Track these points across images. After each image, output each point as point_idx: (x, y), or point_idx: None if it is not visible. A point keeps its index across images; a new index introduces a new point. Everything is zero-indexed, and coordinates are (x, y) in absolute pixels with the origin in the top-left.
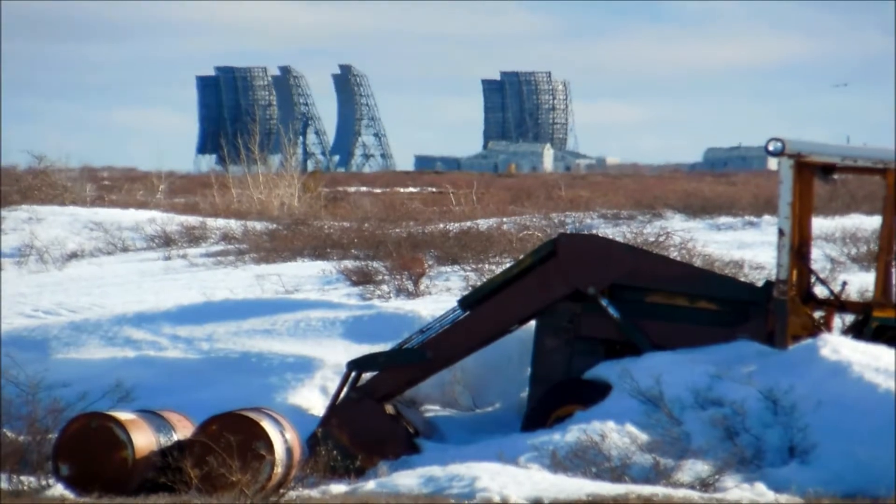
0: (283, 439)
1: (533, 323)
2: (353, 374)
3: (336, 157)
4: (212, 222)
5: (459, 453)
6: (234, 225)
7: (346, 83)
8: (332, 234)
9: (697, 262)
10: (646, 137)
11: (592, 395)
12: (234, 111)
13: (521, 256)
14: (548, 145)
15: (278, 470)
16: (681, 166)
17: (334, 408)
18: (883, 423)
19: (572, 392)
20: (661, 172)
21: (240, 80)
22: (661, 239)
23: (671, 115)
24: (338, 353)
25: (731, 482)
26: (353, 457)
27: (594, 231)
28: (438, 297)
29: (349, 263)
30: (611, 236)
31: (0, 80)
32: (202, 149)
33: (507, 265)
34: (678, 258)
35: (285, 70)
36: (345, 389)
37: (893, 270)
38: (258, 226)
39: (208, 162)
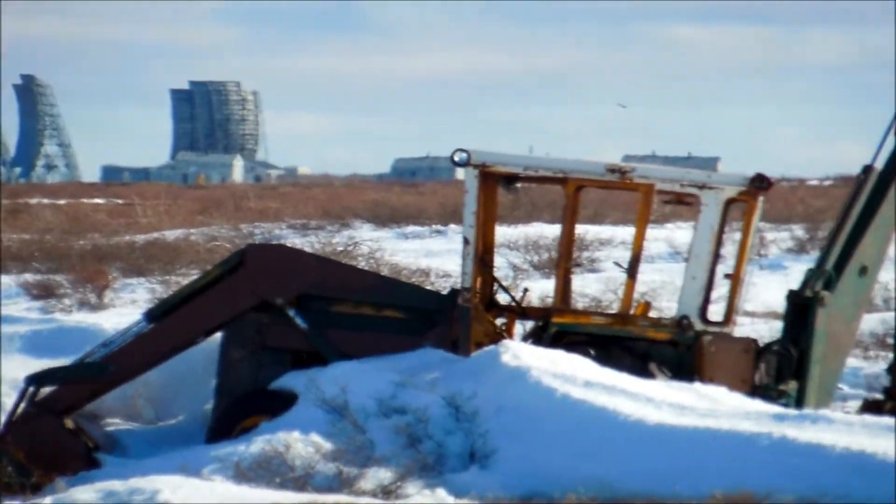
0: None
1: (219, 334)
2: (32, 389)
3: (18, 169)
4: None
5: (141, 467)
6: None
7: (29, 93)
8: (10, 247)
9: (385, 271)
10: (337, 147)
11: (279, 405)
12: None
13: (209, 268)
14: (237, 156)
15: None
16: (370, 176)
17: (10, 424)
18: (559, 426)
19: (258, 403)
20: (351, 182)
21: None
22: (349, 248)
23: (362, 126)
24: (16, 369)
25: (413, 489)
26: (29, 473)
27: (283, 242)
28: (123, 310)
29: (29, 277)
30: (299, 247)
31: None
32: None
33: (195, 277)
34: (366, 267)
35: None
36: (22, 405)
37: (572, 277)
38: None
39: None
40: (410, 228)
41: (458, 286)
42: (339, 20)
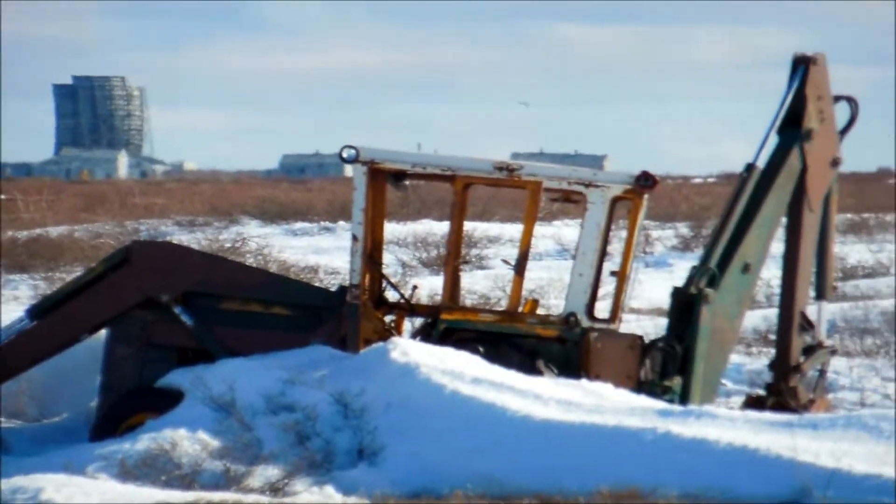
0: None
1: (104, 331)
2: None
3: None
4: None
5: (25, 465)
6: None
7: None
8: None
9: (273, 268)
10: (225, 143)
11: (165, 403)
12: None
13: (94, 265)
14: (123, 151)
15: None
16: (258, 172)
17: None
18: (448, 423)
19: (144, 400)
20: (239, 178)
21: None
22: (237, 245)
23: (250, 122)
24: None
25: (302, 486)
26: None
27: (169, 238)
28: (6, 307)
29: None
30: (186, 243)
31: None
32: None
33: (79, 273)
34: (254, 265)
35: None
36: None
37: (460, 274)
38: None
39: None
40: (299, 225)
41: (347, 283)
42: (228, 16)
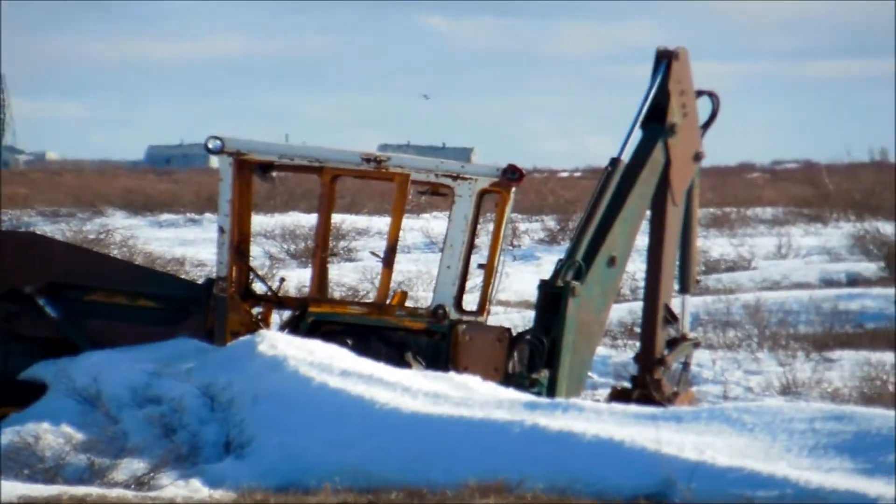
0: None
1: None
2: None
3: None
4: None
5: None
6: None
7: None
8: None
9: (139, 260)
10: (88, 133)
11: (28, 395)
12: None
13: None
14: None
15: None
16: (123, 163)
17: None
18: (316, 415)
19: (6, 393)
20: (103, 168)
21: None
22: (101, 237)
23: (115, 112)
24: None
25: (167, 479)
26: None
27: (32, 229)
28: None
29: None
30: (50, 234)
31: None
32: None
33: None
34: (120, 256)
35: None
36: None
37: (328, 267)
38: None
39: None
40: (165, 217)
41: (214, 275)
42: (91, 4)
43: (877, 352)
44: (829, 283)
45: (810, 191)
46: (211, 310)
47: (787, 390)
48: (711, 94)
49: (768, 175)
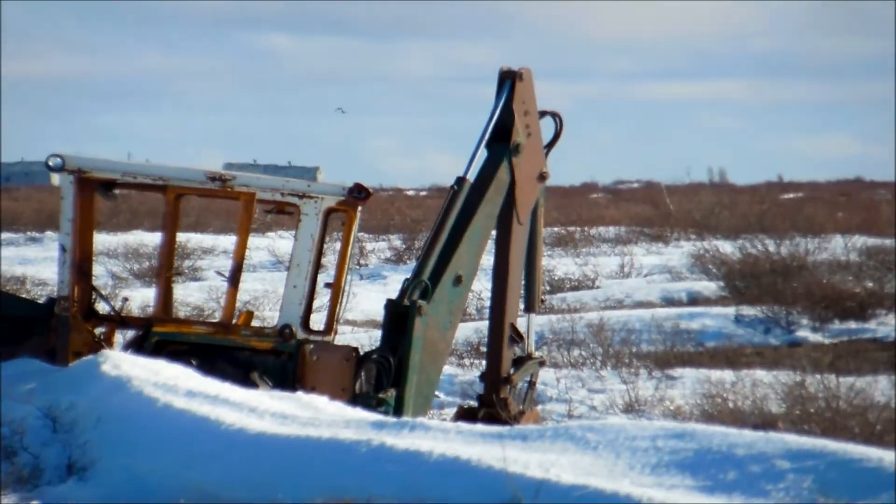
0: None
1: None
2: None
3: None
4: None
5: None
6: None
7: None
8: None
9: None
10: None
11: None
12: None
13: None
14: None
15: None
16: None
17: None
18: (161, 436)
19: None
20: None
21: None
22: None
23: None
24: None
25: (8, 502)
26: None
27: None
28: None
29: None
30: None
31: None
32: None
33: None
34: None
35: None
36: None
37: (173, 286)
38: None
39: None
40: (4, 235)
41: (56, 295)
42: None
43: (716, 370)
44: (670, 301)
45: (651, 210)
46: (53, 330)
47: (631, 408)
48: (555, 115)
49: (611, 195)
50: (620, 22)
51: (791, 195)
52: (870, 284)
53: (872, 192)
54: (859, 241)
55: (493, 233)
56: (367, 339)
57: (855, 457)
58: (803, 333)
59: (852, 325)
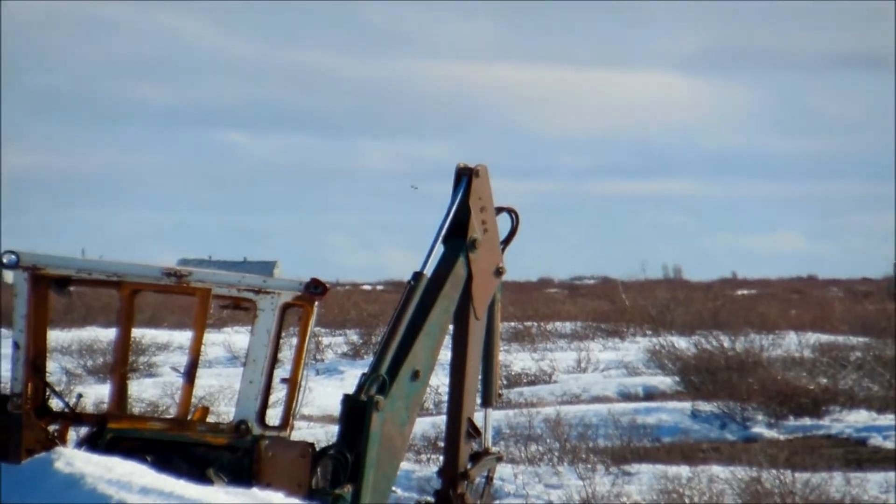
0: None
1: None
2: None
3: None
4: None
5: None
6: None
7: None
8: None
9: None
10: None
11: None
12: None
13: None
14: None
15: None
16: None
17: None
18: None
19: None
20: None
21: None
22: None
23: None
24: None
25: None
26: None
27: None
28: None
29: None
30: None
31: None
32: None
33: None
34: None
35: None
36: None
37: (128, 382)
38: None
39: None
40: None
41: (8, 392)
42: None
43: (673, 465)
44: (626, 396)
45: (608, 306)
46: (5, 428)
47: None
48: (511, 211)
49: (567, 290)
50: (575, 120)
51: (744, 291)
52: (823, 381)
53: (825, 289)
54: (812, 337)
55: (451, 328)
56: (324, 435)
57: None
58: (759, 429)
59: (807, 421)
